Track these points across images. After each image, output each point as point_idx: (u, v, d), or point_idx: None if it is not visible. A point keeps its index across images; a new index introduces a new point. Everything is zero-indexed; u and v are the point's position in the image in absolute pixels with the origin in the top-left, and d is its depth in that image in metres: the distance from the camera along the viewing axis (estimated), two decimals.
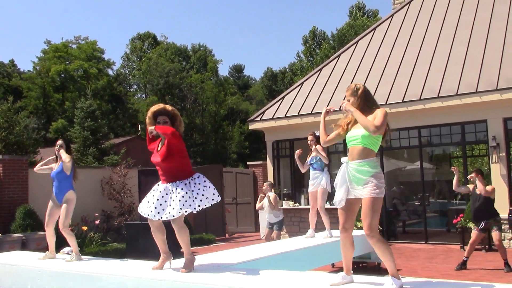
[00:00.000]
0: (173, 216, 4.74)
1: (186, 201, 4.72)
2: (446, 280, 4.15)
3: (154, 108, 4.96)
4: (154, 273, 4.96)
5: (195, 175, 4.93)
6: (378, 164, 4.14)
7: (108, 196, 13.80)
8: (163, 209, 4.78)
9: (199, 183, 4.87)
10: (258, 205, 10.42)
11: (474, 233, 8.94)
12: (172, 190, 4.81)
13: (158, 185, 4.96)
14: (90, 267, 5.58)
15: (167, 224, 5.10)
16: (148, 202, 4.91)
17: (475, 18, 13.89)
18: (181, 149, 4.88)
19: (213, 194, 4.91)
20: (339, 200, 4.12)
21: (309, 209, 8.27)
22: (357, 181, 4.05)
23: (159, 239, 5.12)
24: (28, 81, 39.58)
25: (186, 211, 4.77)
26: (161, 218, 4.82)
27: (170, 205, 4.76)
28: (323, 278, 4.48)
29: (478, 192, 8.85)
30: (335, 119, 4.53)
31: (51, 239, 6.36)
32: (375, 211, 3.96)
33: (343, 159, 4.27)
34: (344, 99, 4.33)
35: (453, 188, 9.25)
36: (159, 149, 4.95)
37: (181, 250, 5.01)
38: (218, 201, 5.00)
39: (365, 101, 4.23)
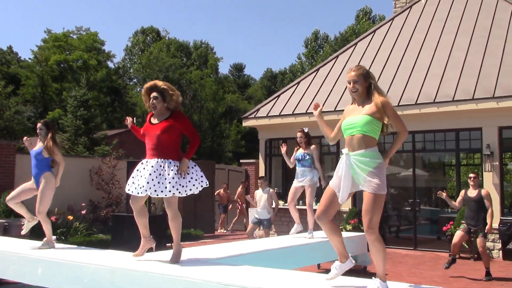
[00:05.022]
0: (165, 195, 4.65)
1: (180, 182, 4.70)
2: (430, 287, 4.02)
3: (147, 85, 4.99)
4: (128, 263, 4.82)
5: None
6: (379, 154, 3.88)
7: (96, 186, 13.65)
8: (159, 183, 4.65)
9: (192, 167, 4.87)
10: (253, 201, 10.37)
11: (458, 234, 8.76)
12: (163, 167, 4.70)
13: (147, 161, 4.79)
14: (66, 255, 5.44)
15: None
16: (139, 178, 4.75)
17: (476, 25, 13.79)
18: (186, 128, 4.87)
19: (202, 179, 4.89)
20: (342, 197, 3.88)
21: (300, 209, 8.09)
22: (360, 173, 3.80)
23: (141, 223, 5.04)
24: (27, 69, 39.34)
25: (175, 194, 4.70)
26: (157, 194, 4.67)
27: (163, 183, 4.65)
28: (303, 277, 4.36)
29: (469, 195, 8.73)
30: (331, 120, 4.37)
31: (21, 210, 6.20)
32: (378, 208, 3.74)
33: (344, 150, 3.97)
34: (350, 83, 4.02)
35: (456, 209, 9.12)
36: (153, 122, 4.89)
37: (168, 245, 4.90)
38: (207, 186, 4.96)
39: (370, 88, 4.01)
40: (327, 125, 4.36)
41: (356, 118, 3.93)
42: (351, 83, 4.01)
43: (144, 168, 4.75)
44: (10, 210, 10.66)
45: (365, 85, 3.99)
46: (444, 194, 8.75)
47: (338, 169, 3.98)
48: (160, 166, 4.71)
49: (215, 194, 16.48)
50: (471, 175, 9.00)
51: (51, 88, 40.21)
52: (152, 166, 4.71)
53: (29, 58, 42.48)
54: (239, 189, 16.54)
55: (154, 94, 4.88)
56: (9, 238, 7.32)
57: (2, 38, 70.08)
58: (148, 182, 4.65)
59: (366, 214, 3.76)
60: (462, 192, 9.02)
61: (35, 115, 33.30)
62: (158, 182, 4.65)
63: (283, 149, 7.89)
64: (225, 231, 16.45)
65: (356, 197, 12.60)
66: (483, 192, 8.76)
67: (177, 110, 4.93)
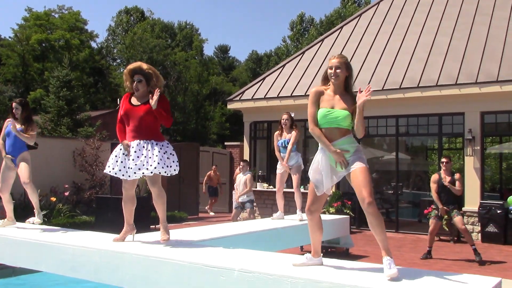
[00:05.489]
0: (151, 172, 4.67)
1: (164, 162, 4.73)
2: (409, 268, 4.09)
3: (131, 66, 4.95)
4: (113, 245, 4.84)
5: (166, 141, 4.93)
6: (354, 139, 4.01)
7: (79, 168, 13.55)
8: (145, 163, 4.67)
9: (173, 149, 4.93)
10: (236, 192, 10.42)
11: (432, 222, 8.97)
12: (146, 147, 4.72)
13: (128, 145, 4.78)
14: (50, 236, 5.42)
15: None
16: (122, 162, 4.77)
17: (460, 11, 13.87)
18: (164, 106, 4.83)
19: (177, 165, 4.89)
20: (327, 188, 3.95)
21: (284, 192, 8.09)
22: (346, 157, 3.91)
23: (128, 210, 5.05)
24: (7, 48, 38.62)
25: (160, 172, 4.73)
26: (143, 173, 4.70)
27: (148, 162, 4.67)
28: (287, 259, 4.41)
29: (443, 181, 8.88)
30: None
31: (8, 206, 6.19)
32: (370, 179, 3.84)
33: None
34: (332, 69, 3.97)
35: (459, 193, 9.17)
36: (134, 104, 4.85)
37: (151, 226, 4.92)
38: (176, 173, 4.93)
39: (349, 78, 4.04)
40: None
41: (337, 112, 3.96)
42: (333, 68, 4.02)
43: (131, 153, 4.74)
44: None
45: (345, 74, 4.02)
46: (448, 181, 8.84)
47: (314, 163, 4.04)
48: (143, 147, 4.73)
49: (206, 176, 16.29)
50: (444, 159, 9.12)
51: (33, 68, 39.56)
52: (133, 147, 4.72)
53: (9, 37, 41.72)
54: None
55: (139, 77, 4.86)
56: None
57: None
58: (139, 167, 4.67)
59: (364, 186, 3.79)
60: (435, 177, 9.07)
61: (16, 95, 32.78)
62: (144, 164, 4.67)
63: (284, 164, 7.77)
64: (213, 213, 16.37)
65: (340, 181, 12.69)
66: (456, 176, 8.92)
67: (160, 93, 4.90)
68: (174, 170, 4.85)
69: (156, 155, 4.69)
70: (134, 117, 4.80)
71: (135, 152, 4.72)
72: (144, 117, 4.77)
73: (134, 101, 4.92)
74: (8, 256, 5.60)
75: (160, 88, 4.91)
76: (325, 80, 4.13)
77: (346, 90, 4.05)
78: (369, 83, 12.75)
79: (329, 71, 4.05)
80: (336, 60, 4.03)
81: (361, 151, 4.00)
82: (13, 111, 6.16)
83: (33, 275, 6.61)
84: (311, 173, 4.05)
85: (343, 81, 4.04)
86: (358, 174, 3.85)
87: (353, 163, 3.89)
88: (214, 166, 16.58)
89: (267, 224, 7.40)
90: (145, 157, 4.69)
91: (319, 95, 4.07)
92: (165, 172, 4.77)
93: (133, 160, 4.70)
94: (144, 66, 4.90)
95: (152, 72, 4.90)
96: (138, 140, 4.76)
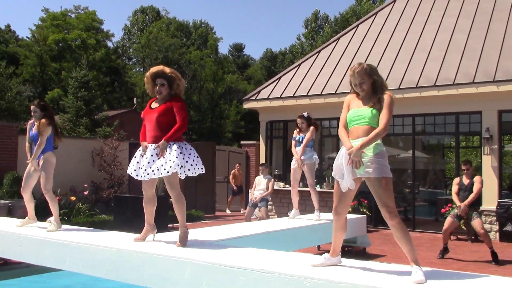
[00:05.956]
0: (168, 172, 4.68)
1: (180, 161, 4.71)
2: (427, 268, 4.11)
3: (153, 69, 4.98)
4: (134, 245, 4.93)
5: (184, 142, 4.95)
6: (380, 143, 3.96)
7: (98, 168, 13.74)
8: (161, 165, 4.70)
9: (191, 149, 4.92)
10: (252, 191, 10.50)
11: (448, 220, 8.91)
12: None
13: (147, 147, 4.86)
14: (71, 236, 5.54)
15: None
16: (138, 163, 4.85)
17: (477, 8, 13.75)
18: (179, 111, 4.85)
19: (201, 163, 4.91)
20: (349, 184, 3.89)
21: (299, 191, 8.10)
22: (363, 159, 3.86)
23: (149, 210, 5.13)
24: (25, 49, 39.14)
25: (178, 172, 4.74)
26: (161, 173, 4.72)
27: (164, 163, 4.70)
28: (306, 259, 4.46)
29: (464, 182, 8.87)
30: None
31: (29, 204, 6.29)
32: (390, 190, 3.78)
33: None
34: (352, 83, 4.04)
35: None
36: (152, 107, 4.93)
37: (169, 225, 4.99)
38: (203, 172, 4.95)
39: (375, 84, 4.02)
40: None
41: (363, 110, 3.98)
42: (358, 86, 4.02)
43: (147, 155, 4.82)
44: (14, 190, 10.78)
45: (370, 82, 4.04)
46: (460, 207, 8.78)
47: (338, 158, 4.03)
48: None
49: (231, 174, 16.56)
50: (464, 167, 9.08)
51: (50, 67, 40.06)
52: (150, 152, 4.79)
53: (27, 37, 42.29)
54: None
55: (161, 80, 4.91)
56: (13, 219, 7.42)
57: (0, 17, 69.44)
58: (153, 168, 4.74)
59: (382, 199, 3.78)
60: (457, 181, 9.10)
61: (34, 95, 33.25)
62: (162, 165, 4.71)
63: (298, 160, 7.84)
64: (230, 212, 16.50)
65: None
66: (475, 178, 8.88)
67: (176, 94, 4.98)
68: (190, 170, 4.81)
69: (172, 156, 4.71)
70: (150, 120, 4.89)
71: (151, 155, 4.78)
72: (159, 118, 4.83)
73: (154, 104, 5.00)
74: (31, 254, 5.72)
75: (181, 92, 4.98)
76: (352, 85, 4.16)
77: (374, 91, 4.04)
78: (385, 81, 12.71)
79: (353, 80, 4.06)
80: (358, 76, 4.01)
81: (385, 157, 3.92)
82: (31, 113, 6.23)
83: (54, 273, 6.75)
84: (334, 169, 4.05)
85: (371, 87, 4.05)
86: (376, 184, 3.82)
87: (373, 169, 3.84)
88: (238, 165, 16.74)
89: (284, 223, 7.44)
90: (163, 158, 4.74)
91: (349, 100, 4.15)
92: (181, 171, 4.75)
93: (148, 162, 4.76)
94: (167, 69, 4.94)
95: (175, 75, 4.95)
96: (155, 144, 4.82)
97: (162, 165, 4.72)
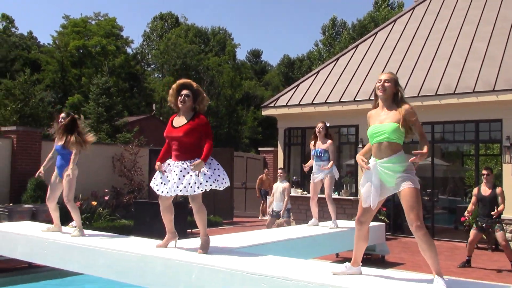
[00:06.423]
0: (194, 191, 4.78)
1: (209, 178, 4.83)
2: (448, 277, 4.14)
3: (180, 81, 5.10)
4: (156, 251, 5.03)
5: (211, 158, 5.02)
6: (407, 157, 3.98)
7: (118, 173, 13.93)
8: (189, 184, 4.79)
9: (218, 164, 5.02)
10: (270, 198, 10.55)
11: (472, 232, 8.95)
12: (188, 170, 4.85)
13: (170, 165, 4.97)
14: (95, 241, 5.66)
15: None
16: (167, 181, 4.91)
17: (498, 16, 13.66)
18: (207, 132, 4.97)
19: (227, 177, 5.03)
20: (373, 204, 3.98)
21: (318, 199, 8.20)
22: (389, 179, 3.93)
23: (167, 219, 5.21)
24: (47, 55, 39.84)
25: (207, 189, 4.85)
26: (187, 191, 4.81)
27: (190, 183, 4.79)
28: (326, 266, 4.51)
29: (483, 193, 8.85)
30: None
31: (54, 213, 6.44)
32: (419, 202, 3.83)
33: (371, 160, 4.08)
34: (380, 81, 4.11)
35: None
36: (175, 125, 5.00)
37: (188, 231, 5.07)
38: (228, 185, 5.08)
39: (397, 95, 4.11)
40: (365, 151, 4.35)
41: (383, 125, 4.01)
42: (382, 81, 4.09)
43: (173, 171, 4.91)
44: (37, 195, 11.00)
45: (393, 90, 4.09)
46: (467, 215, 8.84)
47: (364, 176, 4.09)
48: (185, 168, 4.87)
49: (258, 180, 16.56)
50: (484, 171, 9.04)
51: (71, 73, 40.69)
52: (181, 171, 4.86)
53: (49, 44, 43.01)
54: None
55: (186, 91, 4.99)
56: (37, 223, 7.59)
57: (23, 23, 70.72)
58: (177, 186, 4.82)
59: (412, 209, 3.81)
60: (475, 191, 9.10)
61: (55, 100, 33.77)
62: (188, 183, 4.79)
63: (306, 169, 8.12)
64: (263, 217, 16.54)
65: None
66: (497, 190, 8.83)
67: (200, 113, 5.07)
68: (220, 184, 4.93)
69: (202, 175, 4.80)
70: (175, 139, 4.95)
71: (183, 176, 4.84)
72: (183, 138, 4.90)
73: (176, 122, 5.05)
74: (56, 258, 5.86)
75: (204, 108, 5.08)
76: (375, 96, 4.22)
77: (395, 101, 4.11)
78: (404, 90, 12.70)
79: (377, 84, 4.13)
80: (386, 74, 4.13)
81: (413, 170, 3.97)
82: (59, 120, 6.41)
83: (77, 277, 6.89)
84: (361, 185, 4.12)
85: (391, 96, 4.10)
86: (406, 195, 3.86)
87: (402, 183, 3.89)
88: (266, 170, 16.80)
89: (303, 231, 7.50)
90: (190, 177, 4.81)
91: (369, 116, 4.22)
92: (211, 187, 4.87)
93: (174, 181, 4.83)
94: (194, 83, 5.07)
95: (201, 90, 5.07)
96: (182, 161, 4.90)
97: (189, 184, 4.79)
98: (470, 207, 9.12)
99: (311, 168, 7.96)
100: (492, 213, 8.64)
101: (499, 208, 8.63)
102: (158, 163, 5.04)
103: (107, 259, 5.23)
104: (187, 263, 4.61)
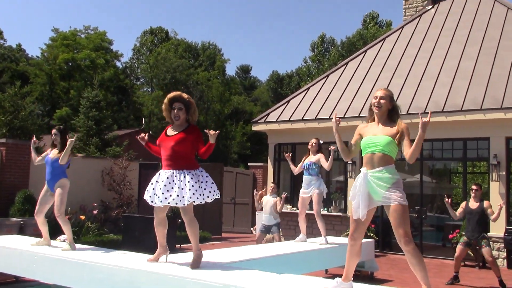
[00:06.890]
0: (184, 204, 4.78)
1: (196, 190, 4.82)
2: None
3: (171, 95, 5.09)
4: (148, 265, 5.01)
5: (200, 168, 5.03)
6: (397, 173, 4.05)
7: (108, 187, 13.84)
8: (178, 195, 4.78)
9: (207, 176, 5.02)
10: (257, 204, 10.48)
11: (458, 248, 8.97)
12: (178, 177, 4.84)
13: (160, 174, 4.97)
14: (85, 255, 5.62)
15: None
16: (154, 189, 4.92)
17: (485, 35, 13.93)
18: (201, 140, 5.05)
19: (216, 189, 5.05)
20: (362, 214, 4.01)
21: (307, 214, 8.25)
22: (378, 190, 3.97)
23: (160, 232, 5.19)
24: (35, 67, 39.68)
25: (194, 201, 4.83)
26: (176, 203, 4.80)
27: (180, 193, 4.78)
28: (317, 282, 4.52)
29: (471, 207, 8.89)
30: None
31: (43, 227, 6.39)
32: (407, 218, 3.89)
33: (362, 169, 4.13)
34: (376, 98, 4.22)
35: (455, 219, 9.18)
36: (168, 134, 5.03)
37: (177, 246, 5.06)
38: (218, 197, 5.07)
39: (392, 111, 4.20)
40: (341, 140, 4.47)
41: (378, 137, 4.09)
42: (378, 98, 4.17)
43: (162, 180, 4.90)
44: (25, 208, 10.90)
45: (388, 106, 4.17)
46: (449, 201, 8.79)
47: (354, 187, 4.14)
48: (176, 177, 4.86)
49: (258, 195, 16.42)
50: (474, 187, 9.11)
51: (59, 86, 40.53)
52: (168, 178, 4.87)
53: (37, 56, 42.87)
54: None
55: (179, 105, 5.01)
56: (26, 237, 7.51)
57: (11, 36, 70.53)
58: (166, 196, 4.81)
59: (399, 226, 3.88)
60: (463, 204, 9.17)
61: (43, 113, 33.60)
62: (177, 195, 4.78)
63: (288, 156, 8.12)
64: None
65: None
66: (485, 203, 8.89)
67: (193, 124, 5.11)
68: (208, 197, 4.95)
69: (188, 186, 4.80)
70: (166, 147, 4.95)
71: (169, 183, 4.84)
72: (175, 147, 4.90)
73: (170, 131, 5.08)
74: (45, 273, 5.80)
75: (196, 118, 5.12)
76: (370, 111, 4.29)
77: (390, 117, 4.19)
78: None
79: (373, 100, 4.21)
80: (382, 91, 4.22)
81: (401, 185, 4.04)
82: (52, 137, 6.40)
83: None
84: (351, 196, 4.17)
85: (386, 112, 4.18)
86: (394, 212, 3.92)
87: (390, 198, 3.95)
88: (272, 184, 16.71)
89: (293, 247, 7.52)
90: (178, 188, 4.80)
91: (360, 128, 4.32)
92: (199, 200, 4.85)
93: (161, 191, 4.82)
94: (184, 95, 5.08)
95: (192, 102, 5.09)
96: (172, 170, 4.90)
97: (178, 196, 4.78)
98: (453, 212, 8.97)
99: (300, 181, 8.02)
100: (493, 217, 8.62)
101: (496, 214, 8.57)
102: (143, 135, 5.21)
103: (98, 273, 5.19)
104: (179, 277, 4.60)
